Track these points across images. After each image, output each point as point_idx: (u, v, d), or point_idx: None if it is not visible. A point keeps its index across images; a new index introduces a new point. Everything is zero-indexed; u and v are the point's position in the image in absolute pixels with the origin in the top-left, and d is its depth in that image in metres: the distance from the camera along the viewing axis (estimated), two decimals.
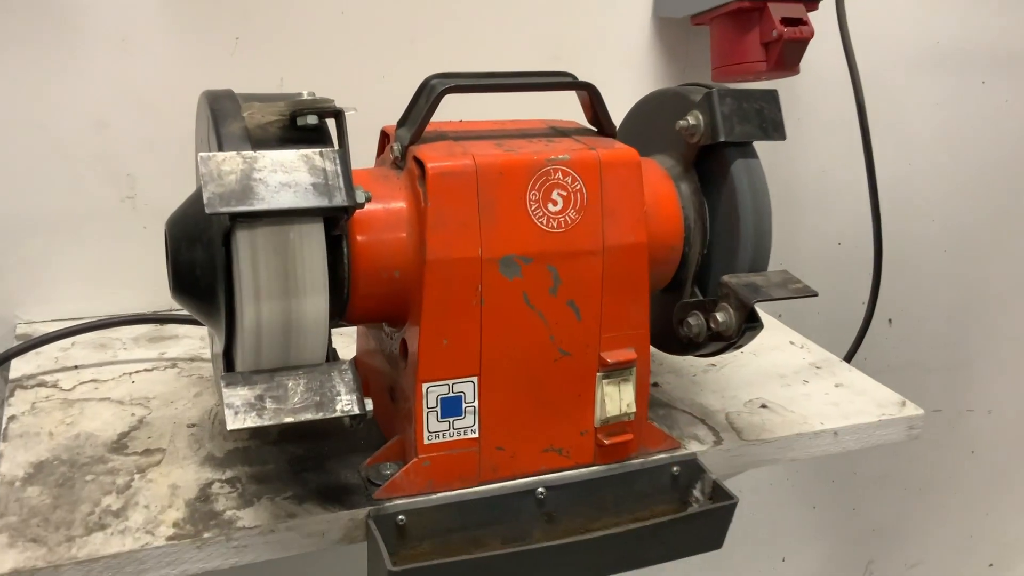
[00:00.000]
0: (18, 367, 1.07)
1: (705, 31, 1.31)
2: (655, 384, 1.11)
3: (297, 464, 0.91)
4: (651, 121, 1.00)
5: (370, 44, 1.21)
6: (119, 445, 0.93)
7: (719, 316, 0.89)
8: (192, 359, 1.12)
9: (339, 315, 0.86)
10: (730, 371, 1.16)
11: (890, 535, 2.01)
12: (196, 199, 0.81)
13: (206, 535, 0.80)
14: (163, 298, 1.16)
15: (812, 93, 1.50)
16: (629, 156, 0.88)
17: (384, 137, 0.93)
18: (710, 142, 0.91)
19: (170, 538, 0.79)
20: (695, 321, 0.93)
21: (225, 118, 0.76)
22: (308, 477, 0.88)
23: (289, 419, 0.76)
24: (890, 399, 1.10)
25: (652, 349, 0.94)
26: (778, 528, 1.83)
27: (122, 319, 1.12)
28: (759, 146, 0.94)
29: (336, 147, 0.77)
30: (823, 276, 1.64)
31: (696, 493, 0.96)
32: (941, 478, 2.00)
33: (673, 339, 0.98)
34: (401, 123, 0.88)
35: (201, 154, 0.71)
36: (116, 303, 1.18)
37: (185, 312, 1.09)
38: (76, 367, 1.08)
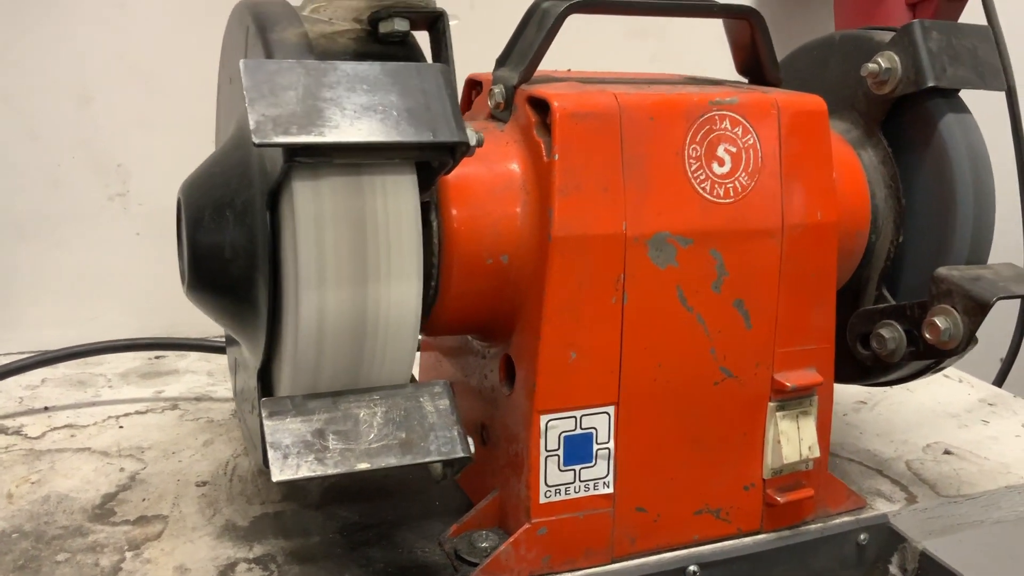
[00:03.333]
0: None
1: None
2: None
3: (352, 535, 0.65)
4: (809, 78, 0.77)
5: None
6: (104, 511, 0.67)
7: (939, 322, 0.65)
8: (198, 399, 0.86)
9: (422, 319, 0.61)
10: (888, 409, 0.91)
11: None
12: (225, 153, 0.56)
13: None
14: (159, 322, 0.91)
15: None
16: (815, 104, 0.65)
17: (471, 88, 0.69)
18: (913, 90, 0.67)
19: None
20: (890, 334, 0.68)
21: (275, 23, 0.52)
22: (371, 554, 0.63)
23: (363, 465, 0.51)
24: None
25: None
26: None
27: (106, 345, 0.85)
28: None
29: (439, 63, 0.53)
30: None
31: (894, 570, 0.70)
32: None
33: (843, 361, 0.73)
34: (501, 61, 0.65)
35: (243, 60, 0.47)
36: (100, 328, 0.91)
37: (188, 338, 0.85)
38: (46, 409, 0.82)
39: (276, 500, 0.69)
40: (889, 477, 0.77)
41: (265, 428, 0.50)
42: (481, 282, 0.59)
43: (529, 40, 0.63)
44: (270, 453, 0.49)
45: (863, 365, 0.73)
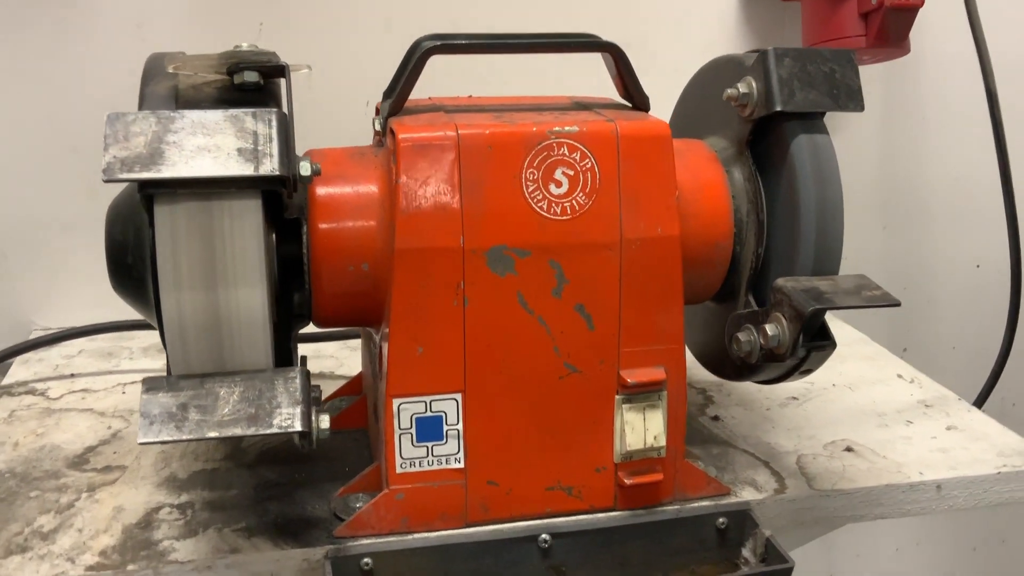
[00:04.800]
0: (15, 373, 1.00)
1: (798, 7, 1.12)
2: (715, 417, 0.92)
3: (264, 491, 0.78)
4: (706, 96, 0.83)
5: (409, 28, 1.09)
6: (80, 460, 0.83)
7: (769, 329, 0.71)
8: None
9: (306, 315, 0.73)
10: (815, 406, 0.95)
11: None
12: None
13: (130, 567, 0.68)
14: None
15: (942, 84, 1.27)
16: (656, 130, 0.72)
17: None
18: (764, 113, 0.73)
19: (90, 567, 0.68)
20: (746, 337, 0.74)
21: (153, 77, 0.65)
22: (271, 507, 0.75)
23: (213, 433, 0.63)
24: (1015, 447, 0.87)
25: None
26: None
27: (128, 323, 1.02)
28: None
29: (277, 108, 0.65)
30: (958, 303, 1.40)
31: (746, 553, 0.77)
32: None
33: (728, 361, 0.80)
34: (387, 93, 0.75)
35: (108, 113, 0.60)
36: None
37: None
38: (72, 375, 0.99)
39: (218, 459, 0.83)
40: (772, 469, 0.83)
41: (141, 400, 0.64)
42: (347, 286, 0.70)
43: (400, 76, 0.73)
44: (140, 420, 0.63)
45: (736, 366, 0.79)
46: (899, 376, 1.03)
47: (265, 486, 0.78)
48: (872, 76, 1.24)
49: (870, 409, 0.95)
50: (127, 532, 0.72)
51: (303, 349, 1.06)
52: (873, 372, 1.04)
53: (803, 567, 1.45)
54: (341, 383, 0.94)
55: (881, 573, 1.51)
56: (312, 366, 1.03)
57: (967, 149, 1.25)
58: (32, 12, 1.02)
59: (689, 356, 0.79)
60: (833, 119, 1.27)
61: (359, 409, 0.88)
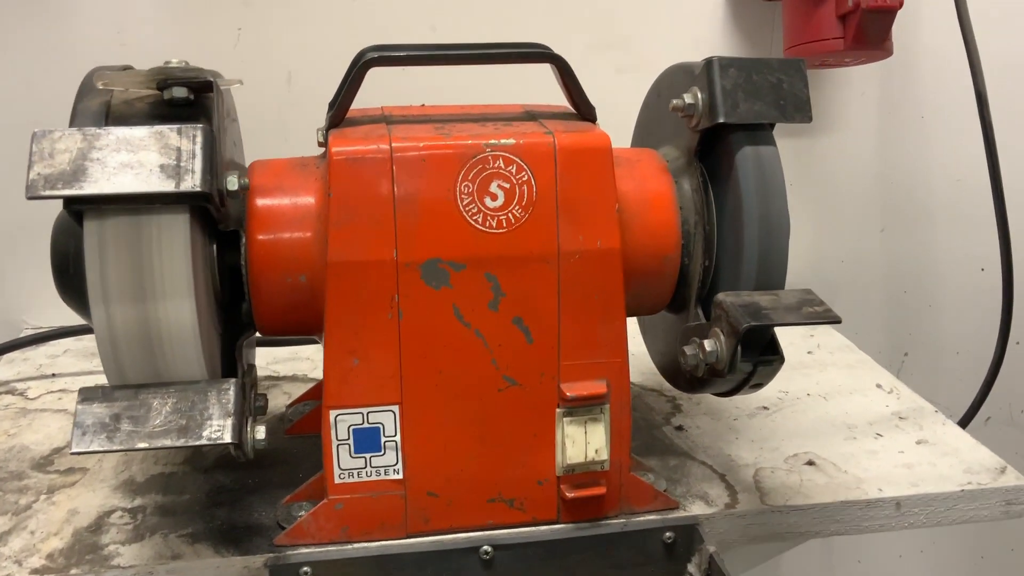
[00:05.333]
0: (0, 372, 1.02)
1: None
2: (679, 427, 0.91)
3: (216, 496, 0.79)
4: (661, 104, 0.82)
5: (388, 32, 1.09)
6: (46, 461, 0.85)
7: (707, 344, 0.70)
8: None
9: (251, 326, 0.74)
10: (784, 417, 0.94)
11: None
12: None
13: (73, 571, 0.70)
14: None
15: (939, 85, 1.24)
16: (596, 141, 0.71)
17: None
18: (709, 124, 0.72)
19: (35, 570, 0.70)
20: (692, 351, 0.73)
21: (86, 93, 0.66)
22: (219, 513, 0.77)
23: (143, 444, 0.64)
24: (985, 463, 0.85)
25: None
26: None
27: None
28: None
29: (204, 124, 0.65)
30: (961, 306, 1.37)
31: (692, 569, 0.76)
32: None
33: (681, 373, 0.79)
34: (331, 104, 0.76)
35: (35, 130, 0.61)
36: None
37: None
38: (53, 375, 1.02)
39: (178, 463, 0.84)
40: (727, 482, 0.82)
41: (76, 410, 0.65)
42: (285, 297, 0.71)
43: (342, 88, 0.73)
44: (73, 430, 0.64)
45: (687, 379, 0.78)
46: (878, 386, 1.01)
47: (218, 491, 0.80)
48: (868, 76, 1.21)
49: (840, 421, 0.93)
50: (77, 535, 0.74)
51: (281, 351, 1.08)
52: (851, 381, 1.02)
53: (802, 571, 1.44)
54: (312, 385, 0.95)
55: None
56: (287, 368, 1.06)
57: (967, 150, 1.21)
58: (12, 20, 1.04)
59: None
60: (828, 121, 1.26)
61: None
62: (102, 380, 1.00)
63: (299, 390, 0.98)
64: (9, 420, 0.92)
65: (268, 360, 1.06)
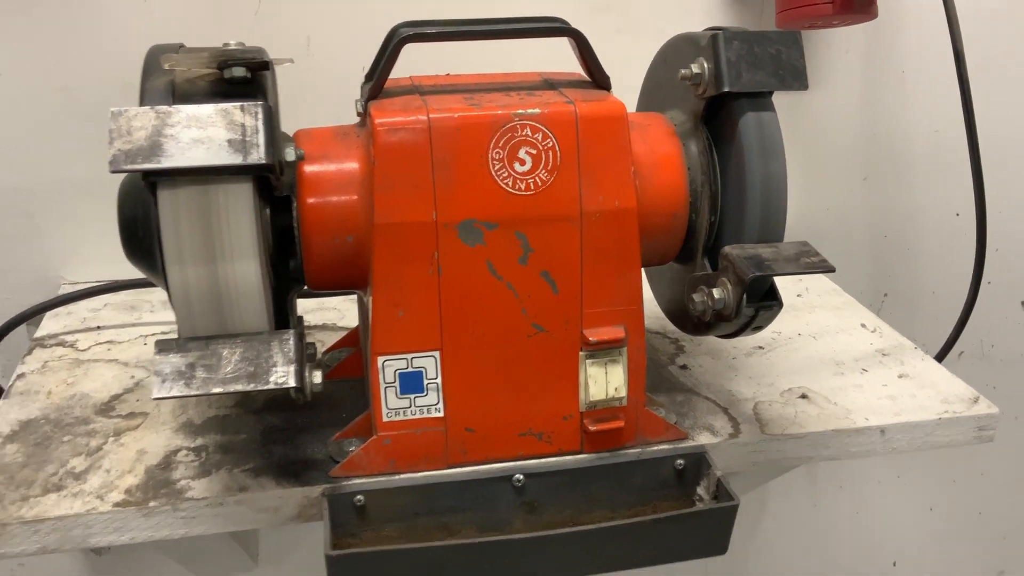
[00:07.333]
0: (47, 326, 1.09)
1: None
2: (684, 367, 1.00)
3: (270, 435, 0.87)
4: (667, 72, 0.89)
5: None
6: (107, 407, 0.92)
7: (716, 293, 0.78)
8: None
9: (299, 280, 0.82)
10: (778, 355, 1.03)
11: None
12: None
13: (152, 504, 0.78)
14: None
15: (918, 41, 1.31)
16: (613, 110, 0.78)
17: None
18: (715, 93, 0.79)
19: (117, 504, 0.78)
20: (700, 298, 0.82)
21: (152, 72, 0.72)
22: (275, 449, 0.85)
23: (218, 389, 0.72)
24: (960, 394, 0.94)
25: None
26: (888, 530, 1.65)
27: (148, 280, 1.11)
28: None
29: (263, 101, 0.72)
30: (937, 250, 1.46)
31: (700, 491, 0.85)
32: None
33: (688, 317, 0.88)
34: (368, 77, 0.82)
35: (112, 109, 0.68)
36: None
37: None
38: (99, 328, 1.09)
39: (230, 406, 0.92)
40: (730, 415, 0.91)
41: (154, 361, 0.72)
42: (335, 256, 0.78)
43: (378, 63, 0.80)
44: (154, 379, 0.71)
45: (694, 323, 0.87)
46: (862, 326, 1.10)
47: (270, 431, 0.88)
48: (852, 35, 1.28)
49: (829, 358, 1.02)
50: (149, 472, 0.82)
51: (308, 302, 1.16)
52: (838, 321, 1.11)
53: (788, 497, 1.55)
54: (342, 334, 1.02)
55: (863, 504, 1.60)
56: (316, 318, 1.13)
57: (944, 104, 1.29)
58: None
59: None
60: (815, 78, 1.33)
61: (356, 360, 0.97)
62: (143, 331, 1.08)
63: (330, 338, 1.06)
64: (65, 370, 0.99)
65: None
